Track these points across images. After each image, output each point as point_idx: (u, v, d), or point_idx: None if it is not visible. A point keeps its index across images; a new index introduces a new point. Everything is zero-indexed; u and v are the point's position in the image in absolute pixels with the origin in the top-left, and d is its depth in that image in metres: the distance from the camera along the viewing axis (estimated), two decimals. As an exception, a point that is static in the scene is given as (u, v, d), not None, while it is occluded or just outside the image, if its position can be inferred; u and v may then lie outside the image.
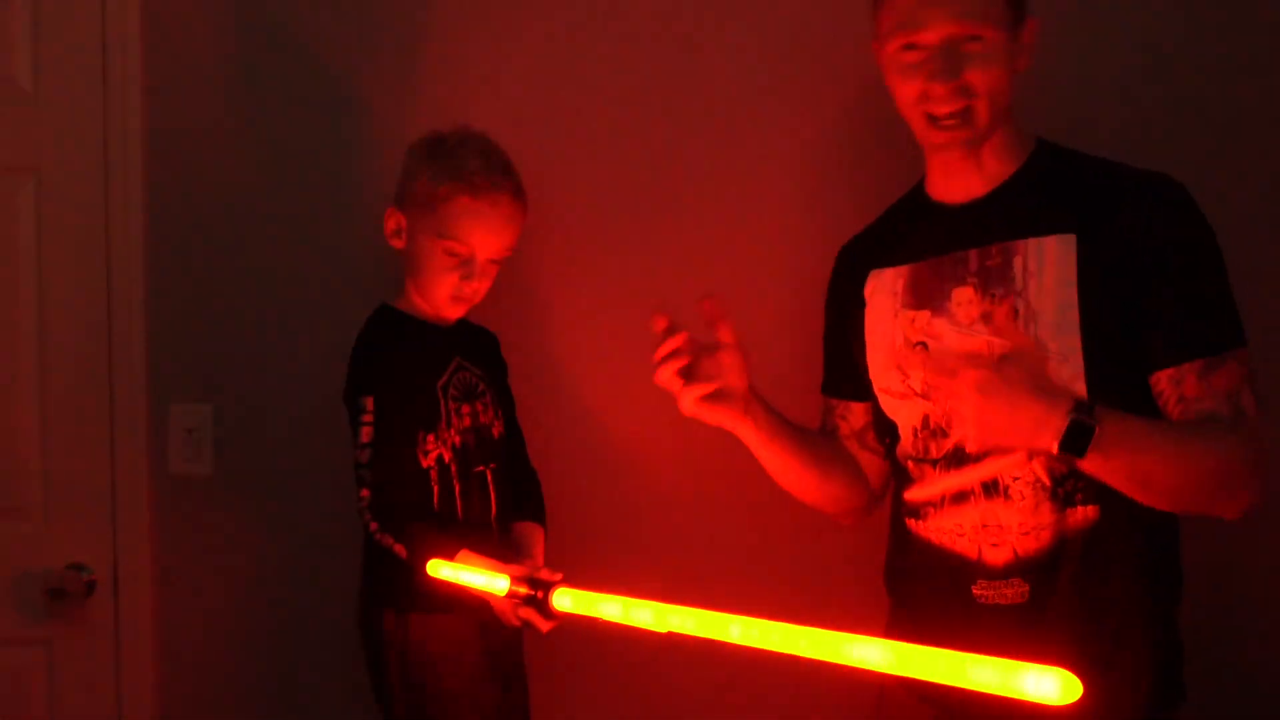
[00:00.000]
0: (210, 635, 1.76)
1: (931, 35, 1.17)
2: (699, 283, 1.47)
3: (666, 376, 1.18)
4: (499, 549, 1.41)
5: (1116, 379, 1.15)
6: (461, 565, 1.28)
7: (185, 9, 1.70)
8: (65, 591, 1.70)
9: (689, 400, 1.18)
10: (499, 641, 1.45)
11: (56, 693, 1.74)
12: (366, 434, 1.39)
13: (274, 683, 1.75)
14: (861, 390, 1.34)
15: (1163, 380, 1.15)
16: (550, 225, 1.62)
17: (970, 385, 1.03)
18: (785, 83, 1.61)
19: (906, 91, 1.21)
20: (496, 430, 1.50)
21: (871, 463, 1.38)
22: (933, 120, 1.20)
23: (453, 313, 1.49)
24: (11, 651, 1.73)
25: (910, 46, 1.19)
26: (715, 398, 1.20)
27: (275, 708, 1.75)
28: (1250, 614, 1.53)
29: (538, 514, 1.54)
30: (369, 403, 1.39)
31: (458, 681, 1.42)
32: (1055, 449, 1.01)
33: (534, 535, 1.50)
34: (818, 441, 1.39)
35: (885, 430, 1.32)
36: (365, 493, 1.37)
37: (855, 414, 1.37)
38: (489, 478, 1.47)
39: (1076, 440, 1.01)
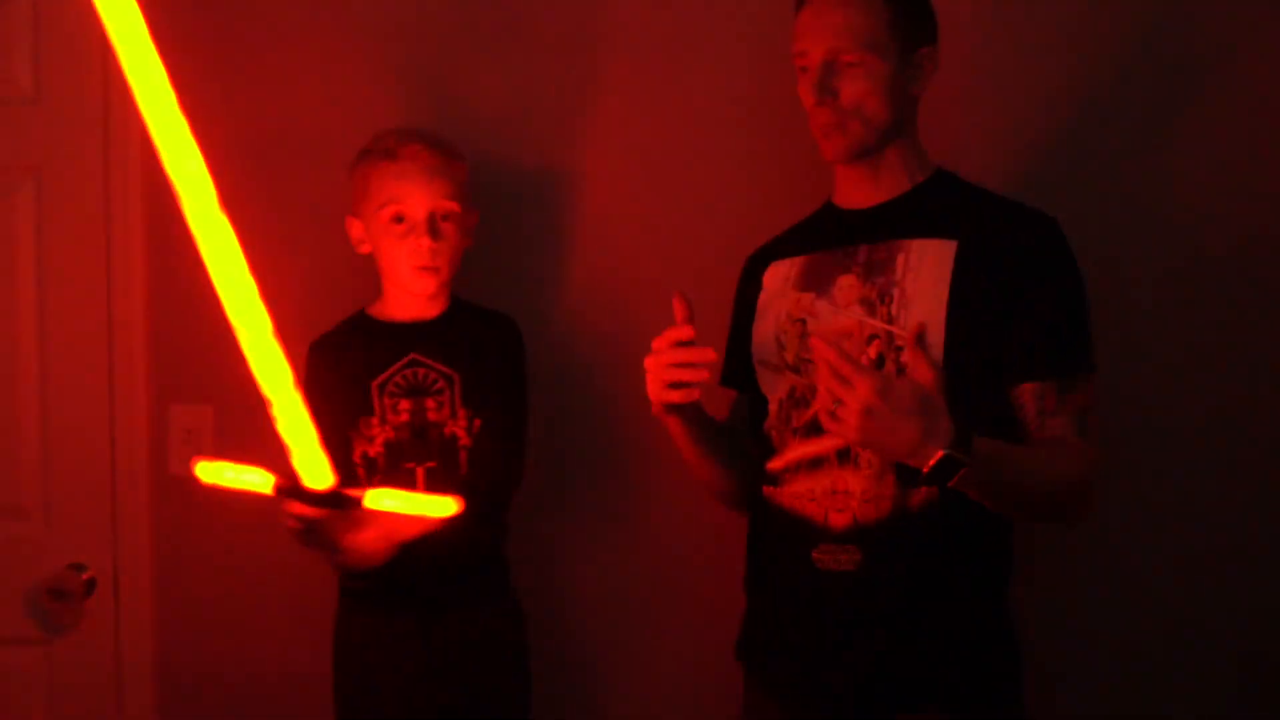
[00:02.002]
0: (210, 635, 1.77)
1: (814, 55, 1.31)
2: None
3: (661, 365, 1.25)
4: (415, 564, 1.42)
5: (971, 377, 1.24)
6: (228, 466, 1.28)
7: (186, 9, 1.70)
8: (65, 591, 1.72)
9: (664, 396, 1.26)
10: (441, 639, 1.48)
11: (56, 693, 1.76)
12: None
13: (273, 683, 1.76)
14: (740, 378, 1.46)
15: (1026, 393, 1.25)
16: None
17: (856, 411, 1.09)
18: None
19: (803, 101, 1.35)
20: (449, 429, 1.49)
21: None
22: (818, 128, 1.33)
23: (424, 287, 1.48)
24: (11, 651, 1.76)
25: (803, 68, 1.33)
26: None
27: (274, 708, 1.76)
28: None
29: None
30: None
31: (376, 676, 1.49)
32: (925, 471, 1.10)
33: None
34: (732, 437, 1.46)
35: (757, 408, 1.41)
36: None
37: (730, 400, 1.47)
38: (419, 476, 1.48)
39: (945, 470, 1.09)
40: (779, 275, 1.43)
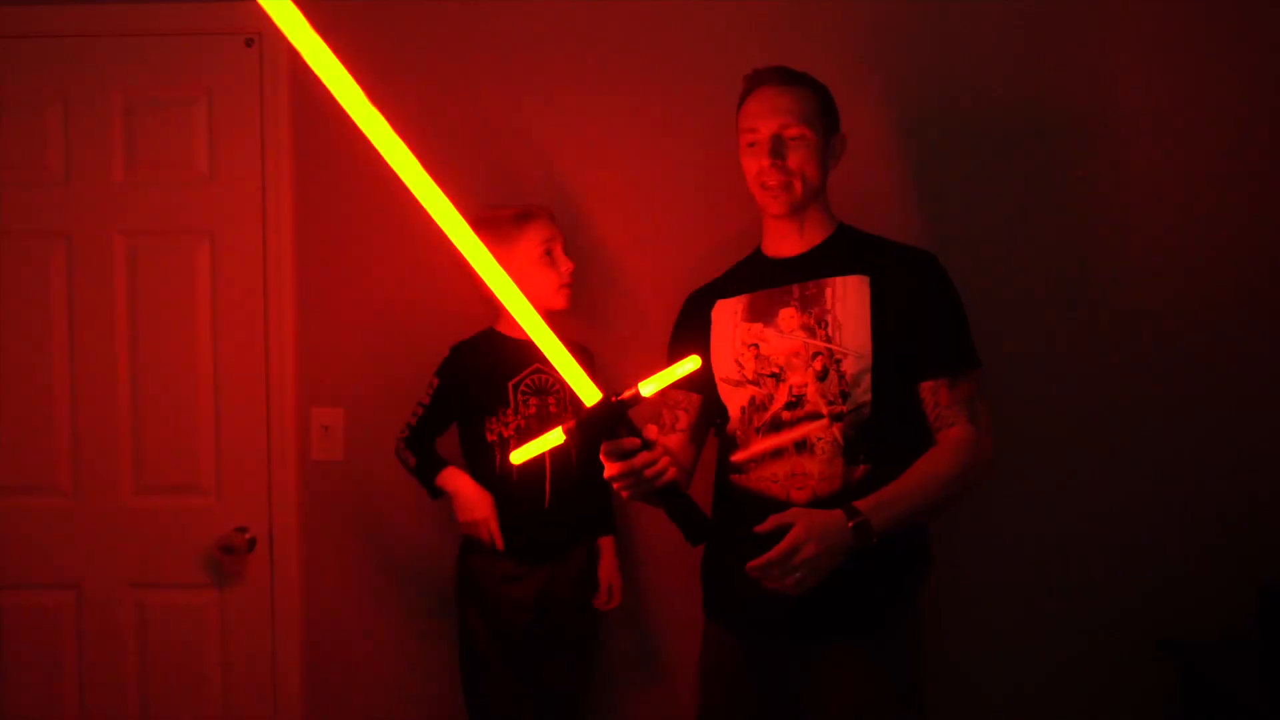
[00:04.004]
0: (343, 582, 2.12)
1: (765, 131, 1.57)
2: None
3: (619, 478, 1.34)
4: (541, 530, 1.84)
5: (891, 375, 1.51)
6: (531, 444, 1.44)
7: (324, 111, 2.00)
8: (233, 548, 2.08)
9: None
10: (544, 578, 1.85)
11: (227, 625, 2.14)
12: (425, 400, 1.89)
13: (398, 622, 2.10)
14: (698, 385, 1.64)
15: (924, 389, 1.54)
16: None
17: (804, 567, 1.33)
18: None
19: (750, 168, 1.61)
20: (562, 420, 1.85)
21: (692, 453, 1.71)
22: (765, 188, 1.59)
23: (565, 300, 1.84)
24: (193, 593, 2.14)
25: (751, 144, 1.59)
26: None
27: (398, 639, 2.11)
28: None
29: (608, 526, 1.96)
30: (435, 383, 1.90)
31: (490, 606, 1.84)
32: (854, 542, 1.36)
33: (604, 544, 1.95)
34: (678, 468, 1.56)
35: (717, 414, 1.65)
36: (406, 432, 1.88)
37: (694, 403, 1.69)
38: (547, 460, 1.82)
39: (863, 531, 1.36)
40: (727, 310, 1.63)
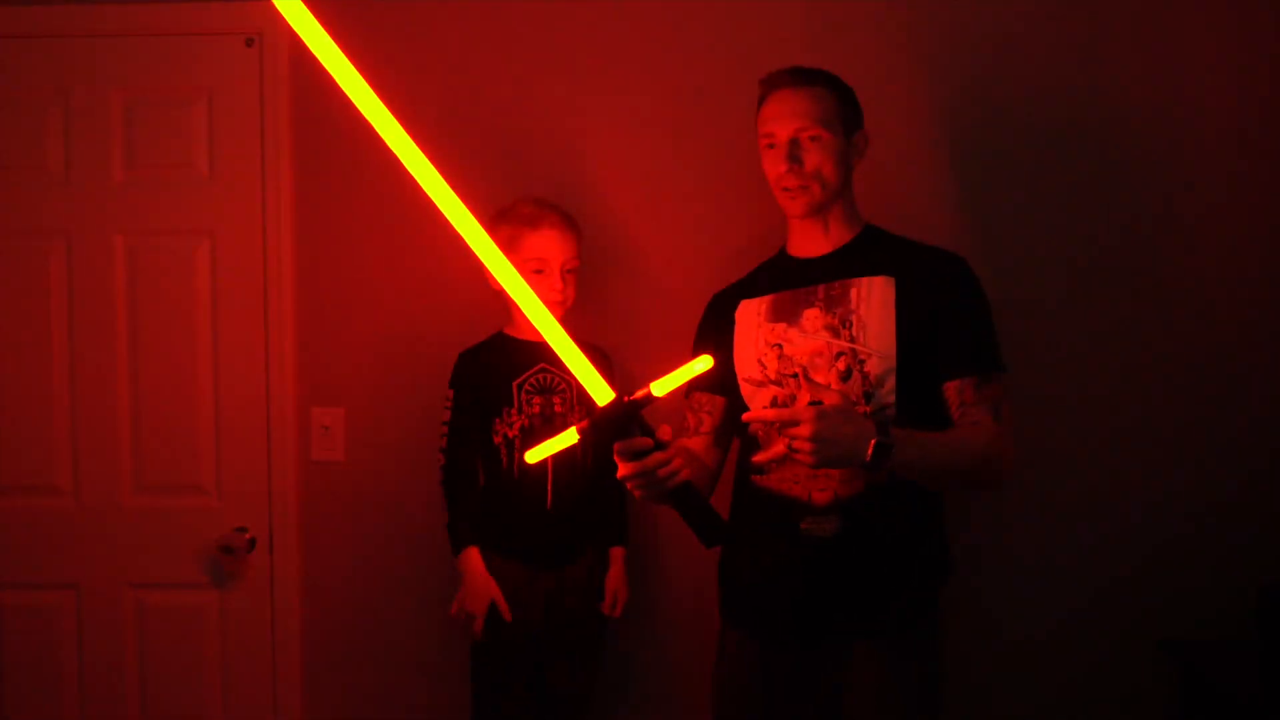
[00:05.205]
0: (342, 581, 2.14)
1: (782, 135, 1.58)
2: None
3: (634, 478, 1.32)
4: (544, 531, 1.83)
5: (915, 377, 1.51)
6: (544, 444, 1.42)
7: (325, 111, 2.07)
8: (233, 548, 2.09)
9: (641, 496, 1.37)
10: (551, 582, 1.85)
11: (227, 624, 2.15)
12: (446, 416, 1.89)
13: (397, 621, 2.13)
14: (722, 387, 1.66)
15: (950, 389, 1.53)
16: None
17: (809, 409, 1.33)
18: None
19: (769, 172, 1.62)
20: (570, 420, 1.83)
21: (717, 456, 1.72)
22: (785, 191, 1.60)
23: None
24: (193, 593, 2.15)
25: (771, 144, 1.60)
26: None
27: (396, 636, 2.13)
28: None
29: (619, 537, 1.96)
30: (451, 394, 1.90)
31: (501, 620, 1.83)
32: (868, 459, 1.33)
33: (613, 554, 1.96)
34: (702, 471, 1.66)
35: (740, 414, 1.57)
36: (442, 460, 1.87)
37: (718, 405, 1.70)
38: (549, 460, 1.77)
39: (881, 454, 1.33)
40: (751, 311, 1.63)
